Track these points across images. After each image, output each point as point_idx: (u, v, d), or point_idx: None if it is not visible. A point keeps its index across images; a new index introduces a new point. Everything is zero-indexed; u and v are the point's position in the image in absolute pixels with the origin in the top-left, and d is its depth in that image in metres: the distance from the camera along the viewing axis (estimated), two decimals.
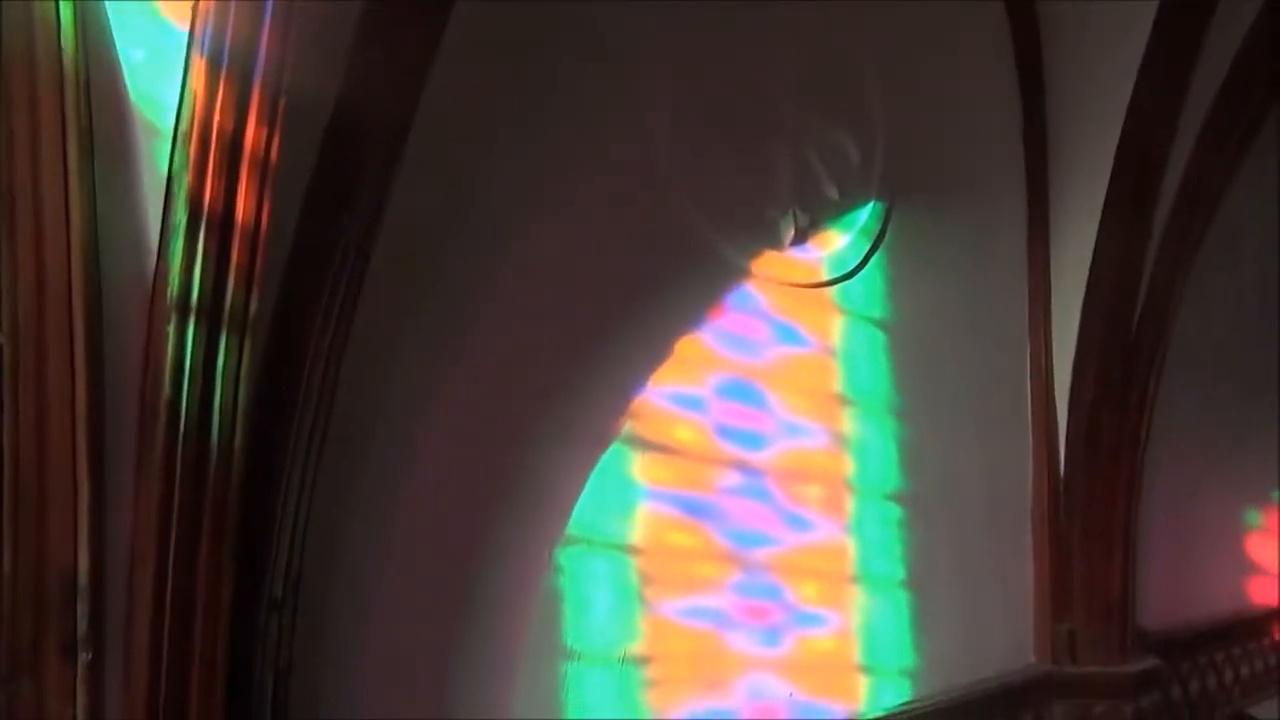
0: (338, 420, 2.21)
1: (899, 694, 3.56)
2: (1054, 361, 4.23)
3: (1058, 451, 4.15)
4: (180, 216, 1.88)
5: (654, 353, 3.03)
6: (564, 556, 2.78)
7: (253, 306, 1.94)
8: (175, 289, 1.90)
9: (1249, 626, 5.41)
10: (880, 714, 3.45)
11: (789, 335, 3.37)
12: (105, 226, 1.92)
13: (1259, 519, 5.69)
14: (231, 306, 1.92)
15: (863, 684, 3.45)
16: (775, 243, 3.37)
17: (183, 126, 1.88)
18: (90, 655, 1.90)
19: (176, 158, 1.89)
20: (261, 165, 1.93)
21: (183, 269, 1.89)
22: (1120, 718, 4.13)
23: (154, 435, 1.91)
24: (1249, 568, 5.56)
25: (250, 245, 1.93)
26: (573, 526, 2.80)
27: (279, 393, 2.03)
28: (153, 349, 1.91)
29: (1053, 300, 4.24)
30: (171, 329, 1.89)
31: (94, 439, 1.93)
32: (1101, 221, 4.05)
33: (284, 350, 2.03)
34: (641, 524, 2.92)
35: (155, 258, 1.91)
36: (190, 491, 1.92)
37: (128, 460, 1.93)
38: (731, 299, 3.23)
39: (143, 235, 1.93)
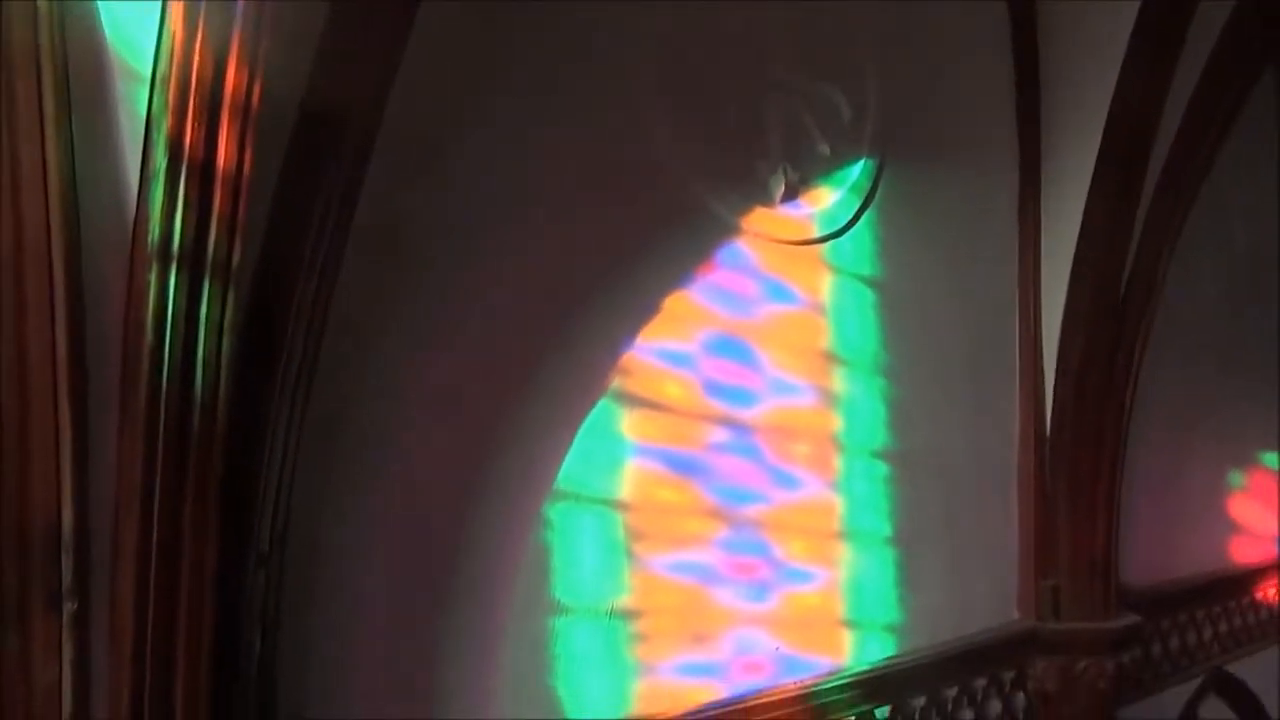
0: (323, 373, 2.19)
1: (884, 649, 3.59)
2: (1042, 321, 4.23)
3: (1045, 410, 4.16)
4: (160, 162, 1.85)
5: (643, 309, 3.01)
6: (552, 511, 2.78)
7: (236, 255, 1.91)
8: (156, 237, 1.87)
9: (1229, 585, 5.48)
10: (865, 668, 3.49)
11: (779, 292, 3.35)
12: (83, 173, 1.88)
13: (1242, 480, 5.75)
14: (214, 255, 1.89)
15: (848, 639, 3.49)
16: (766, 199, 3.34)
17: (161, 70, 1.84)
18: (75, 606, 1.89)
19: (155, 102, 1.85)
20: (243, 111, 1.90)
21: (163, 216, 1.86)
22: (1101, 673, 4.19)
23: (137, 386, 1.89)
24: (1231, 528, 5.62)
25: (232, 193, 1.90)
26: (561, 481, 2.80)
27: (263, 343, 2.01)
28: (134, 298, 1.88)
29: (1042, 264, 4.23)
30: (153, 278, 1.87)
31: (76, 390, 1.91)
32: (1091, 186, 4.04)
33: (268, 301, 2.01)
34: (630, 480, 2.92)
35: (135, 205, 1.88)
36: (174, 443, 1.90)
37: (110, 412, 1.91)
38: (721, 255, 3.20)
39: (122, 182, 1.90)
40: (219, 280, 1.92)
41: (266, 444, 2.03)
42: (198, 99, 1.85)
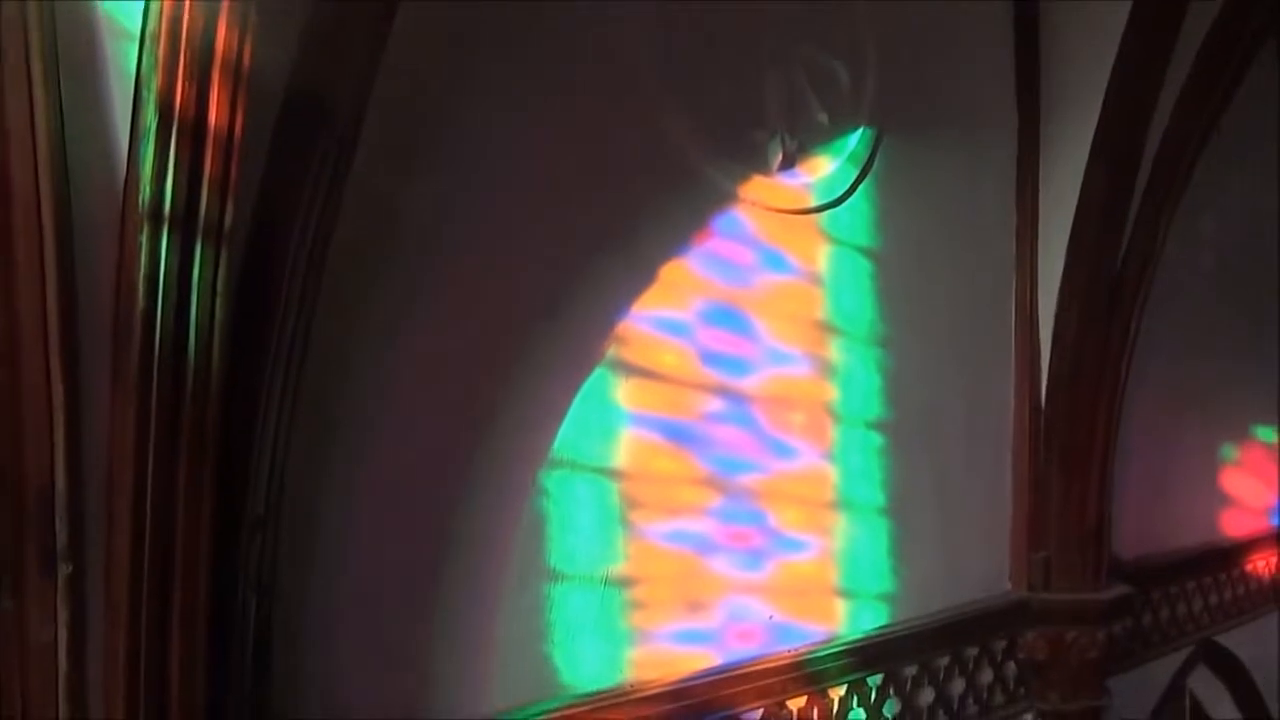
0: (318, 337, 2.17)
1: (877, 618, 3.62)
2: (1039, 294, 4.23)
3: (1039, 383, 4.17)
4: (150, 120, 1.82)
5: (639, 277, 3.00)
6: (548, 479, 2.78)
7: (228, 217, 1.89)
8: (147, 197, 1.84)
9: (1220, 557, 5.52)
10: (858, 637, 3.51)
11: (775, 261, 3.34)
12: (72, 133, 1.85)
13: (1235, 454, 5.78)
14: (206, 216, 1.87)
15: (841, 607, 3.51)
16: (763, 168, 3.32)
17: (150, 27, 1.80)
18: (70, 569, 1.89)
19: (145, 60, 1.82)
20: (234, 70, 1.87)
21: (154, 176, 1.83)
22: (1092, 643, 4.22)
23: (129, 348, 1.88)
24: (1222, 500, 5.66)
25: (224, 153, 1.88)
26: (557, 450, 2.80)
27: (257, 307, 1.99)
28: (125, 259, 1.86)
29: (1039, 235, 4.22)
30: (144, 238, 1.84)
31: (67, 352, 1.89)
32: (1090, 158, 4.02)
33: (262, 264, 1.99)
34: (625, 448, 2.92)
35: (125, 164, 1.85)
36: (167, 407, 1.89)
37: (103, 374, 1.89)
38: (718, 224, 3.19)
39: (112, 142, 1.87)
40: (211, 242, 1.90)
41: (260, 408, 2.02)
42: (188, 57, 1.82)
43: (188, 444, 1.89)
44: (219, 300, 1.89)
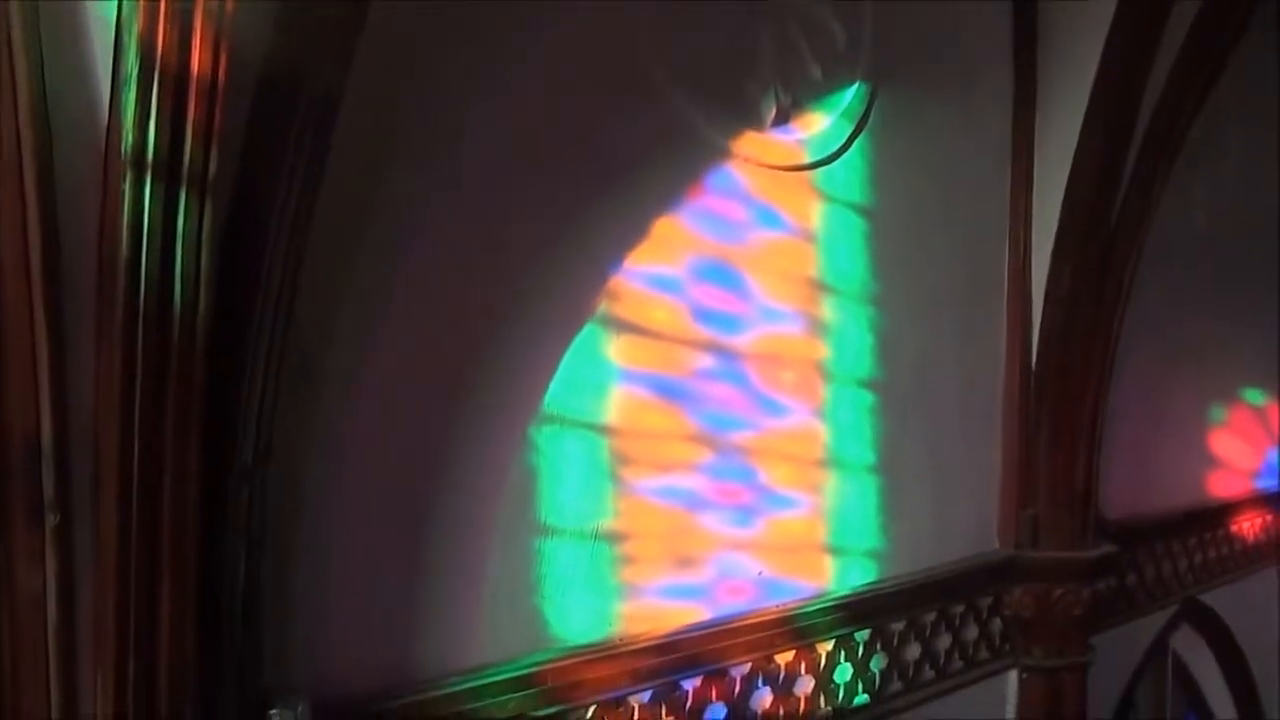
0: (306, 287, 2.15)
1: (865, 575, 3.65)
2: (1032, 252, 4.22)
3: (1030, 342, 4.17)
4: (131, 66, 1.78)
5: (631, 233, 2.97)
6: (538, 435, 2.78)
7: (212, 164, 1.85)
8: (129, 145, 1.81)
9: (1206, 517, 5.58)
10: (847, 593, 3.54)
11: (768, 218, 3.31)
12: (53, 79, 1.82)
13: (1224, 415, 5.81)
14: (190, 164, 1.84)
15: (830, 564, 3.53)
16: (756, 123, 3.28)
17: None
18: (58, 519, 1.88)
19: (125, 4, 1.78)
20: (217, 15, 1.83)
21: (136, 123, 1.80)
22: (1077, 600, 4.27)
23: (114, 297, 1.85)
24: (1210, 461, 5.70)
25: (208, 100, 1.84)
26: (547, 405, 2.79)
27: (243, 256, 1.97)
28: (108, 207, 1.83)
29: (1034, 191, 4.20)
30: (127, 186, 1.81)
31: (51, 302, 1.86)
32: (1086, 114, 3.99)
33: (248, 212, 1.96)
34: (616, 404, 2.92)
35: (107, 111, 1.82)
36: (153, 357, 1.87)
37: (87, 324, 1.87)
38: (711, 180, 3.16)
39: (93, 88, 1.84)
40: (196, 191, 1.87)
41: (248, 358, 2.01)
42: (169, 1, 1.78)
43: (174, 393, 1.87)
44: (204, 249, 1.87)
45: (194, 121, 1.84)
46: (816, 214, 3.45)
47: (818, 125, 3.45)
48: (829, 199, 3.48)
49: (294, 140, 2.01)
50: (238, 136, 1.94)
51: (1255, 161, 5.70)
